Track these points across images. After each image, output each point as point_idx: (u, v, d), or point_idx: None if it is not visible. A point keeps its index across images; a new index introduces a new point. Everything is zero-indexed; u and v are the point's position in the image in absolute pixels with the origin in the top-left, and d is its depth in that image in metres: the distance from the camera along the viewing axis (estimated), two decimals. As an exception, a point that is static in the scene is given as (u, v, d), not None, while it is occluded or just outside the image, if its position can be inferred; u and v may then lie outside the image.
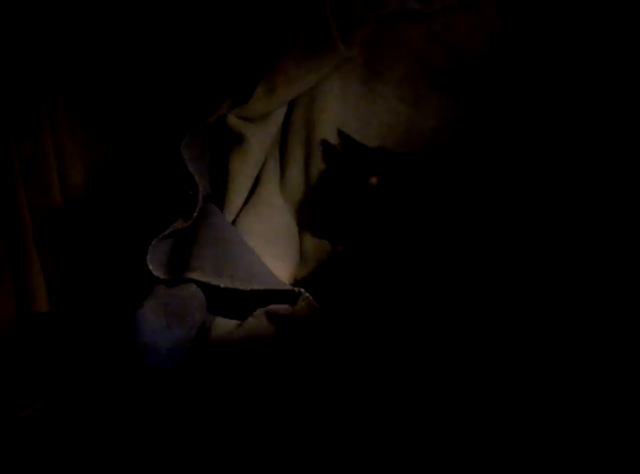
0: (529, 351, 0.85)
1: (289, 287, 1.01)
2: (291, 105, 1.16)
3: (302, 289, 0.99)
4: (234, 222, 1.11)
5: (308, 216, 1.12)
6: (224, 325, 1.01)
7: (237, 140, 1.14)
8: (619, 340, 0.85)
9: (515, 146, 1.05)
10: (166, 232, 1.11)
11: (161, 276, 1.07)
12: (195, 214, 1.10)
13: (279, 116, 1.16)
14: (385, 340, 0.91)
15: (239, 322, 1.01)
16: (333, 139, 1.12)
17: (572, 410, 0.80)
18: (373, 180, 1.02)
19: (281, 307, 0.98)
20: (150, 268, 1.07)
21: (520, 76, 1.11)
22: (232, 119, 1.13)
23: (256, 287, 1.00)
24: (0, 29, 1.36)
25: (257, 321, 0.99)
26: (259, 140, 1.14)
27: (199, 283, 1.04)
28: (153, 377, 0.97)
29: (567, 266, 0.92)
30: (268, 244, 1.09)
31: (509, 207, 1.00)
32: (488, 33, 1.14)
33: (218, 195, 1.15)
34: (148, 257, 1.07)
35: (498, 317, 0.88)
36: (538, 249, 0.95)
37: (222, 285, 1.01)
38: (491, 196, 1.01)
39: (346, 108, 1.14)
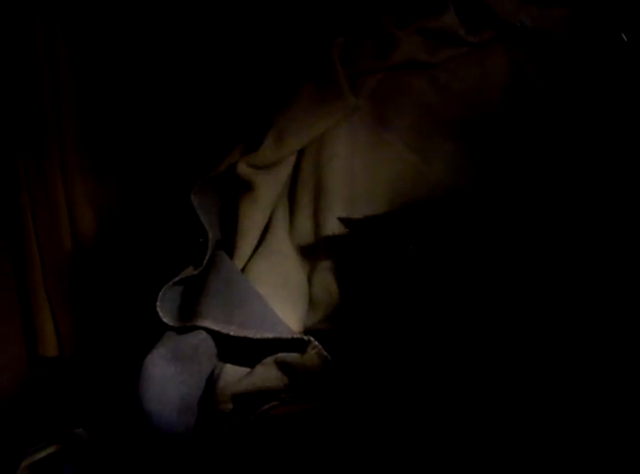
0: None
1: (299, 336, 1.01)
2: (300, 152, 1.16)
3: (312, 338, 0.98)
4: (244, 269, 1.11)
5: (317, 264, 1.12)
6: (233, 373, 1.01)
7: (247, 188, 1.14)
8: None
9: (523, 196, 1.06)
10: (176, 279, 1.12)
11: (171, 323, 1.08)
12: (205, 262, 1.11)
13: (288, 163, 1.16)
14: (394, 390, 0.91)
15: (248, 370, 1.01)
16: (340, 187, 1.13)
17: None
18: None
19: (291, 355, 0.98)
20: (160, 314, 1.08)
21: (528, 125, 1.12)
22: (242, 168, 1.13)
23: (265, 336, 1.01)
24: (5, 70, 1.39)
25: (266, 370, 0.99)
26: (268, 188, 1.15)
27: (208, 331, 1.04)
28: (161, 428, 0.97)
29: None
30: (277, 291, 1.09)
31: (518, 256, 1.00)
32: (495, 82, 1.16)
33: (228, 242, 1.15)
34: (158, 303, 1.08)
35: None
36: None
37: (232, 333, 1.02)
38: (499, 247, 1.02)
39: (354, 156, 1.15)
